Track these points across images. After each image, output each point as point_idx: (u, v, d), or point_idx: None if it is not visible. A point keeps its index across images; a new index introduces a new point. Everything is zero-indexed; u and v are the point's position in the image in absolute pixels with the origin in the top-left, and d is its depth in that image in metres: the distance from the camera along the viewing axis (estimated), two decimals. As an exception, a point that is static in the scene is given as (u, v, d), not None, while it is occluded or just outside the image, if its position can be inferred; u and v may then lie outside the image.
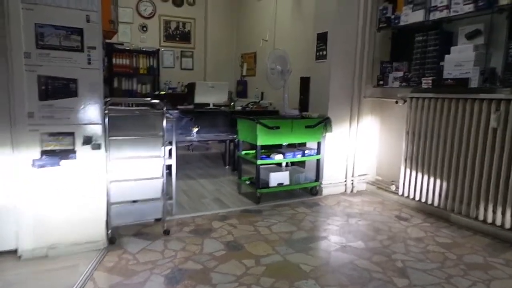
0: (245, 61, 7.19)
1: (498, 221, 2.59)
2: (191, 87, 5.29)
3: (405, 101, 3.32)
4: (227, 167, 4.99)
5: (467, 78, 2.69)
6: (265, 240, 2.60)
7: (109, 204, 2.46)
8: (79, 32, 2.23)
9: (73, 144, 2.27)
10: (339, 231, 2.80)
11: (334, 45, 3.59)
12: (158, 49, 6.94)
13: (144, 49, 6.76)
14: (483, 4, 2.58)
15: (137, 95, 6.74)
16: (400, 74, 3.37)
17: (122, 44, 6.66)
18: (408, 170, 3.29)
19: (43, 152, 2.20)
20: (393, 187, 3.54)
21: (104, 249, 2.37)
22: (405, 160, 3.31)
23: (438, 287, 2.01)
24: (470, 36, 2.79)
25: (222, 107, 5.27)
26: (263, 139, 3.32)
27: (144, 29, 7.01)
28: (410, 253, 2.43)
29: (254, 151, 3.68)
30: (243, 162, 3.83)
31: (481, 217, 2.70)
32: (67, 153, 2.26)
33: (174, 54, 7.34)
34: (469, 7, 2.68)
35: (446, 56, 2.86)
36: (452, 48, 2.84)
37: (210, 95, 5.10)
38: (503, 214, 2.57)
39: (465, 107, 2.77)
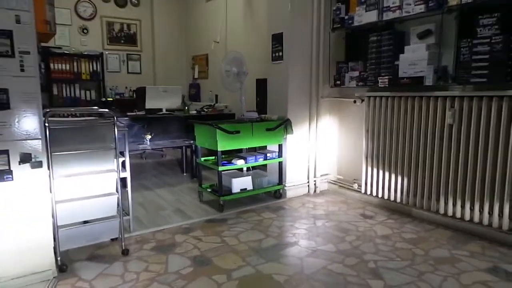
0: (196, 63, 6.97)
1: (458, 214, 2.69)
2: (140, 92, 4.97)
3: (362, 100, 3.37)
4: (184, 174, 4.76)
5: (422, 77, 2.77)
6: (233, 251, 2.46)
7: (56, 228, 2.17)
8: (8, 34, 1.92)
9: (8, 163, 1.96)
10: (308, 234, 2.74)
11: (290, 46, 3.54)
12: (102, 53, 6.48)
13: (86, 53, 6.28)
14: (433, 4, 2.67)
15: (81, 102, 6.24)
16: (356, 73, 3.41)
17: (60, 48, 6.13)
18: (369, 168, 3.33)
19: (-29, 175, 1.88)
20: (355, 186, 3.57)
21: (54, 279, 2.08)
22: (366, 158, 3.35)
23: (412, 286, 2.01)
24: (422, 36, 2.88)
25: (176, 111, 5.02)
26: (223, 145, 3.18)
27: (85, 31, 6.52)
28: (380, 252, 2.43)
29: (213, 157, 3.53)
30: (202, 169, 3.65)
31: (441, 211, 2.78)
32: (2, 174, 1.95)
33: (120, 58, 6.92)
34: (420, 8, 2.75)
35: (401, 56, 2.93)
36: (406, 48, 2.91)
37: (162, 100, 4.83)
38: (462, 207, 2.67)
39: (421, 104, 2.85)
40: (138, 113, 4.65)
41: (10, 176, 1.97)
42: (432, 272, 2.16)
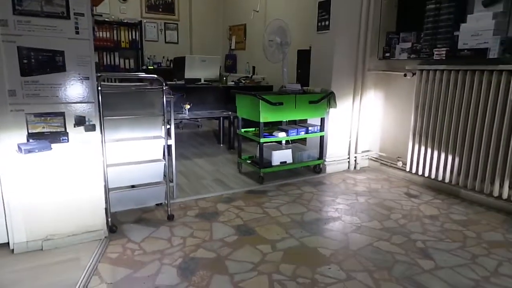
0: (233, 34, 6.85)
1: (515, 197, 2.54)
2: (179, 61, 4.97)
3: (414, 74, 3.18)
4: (221, 145, 4.79)
5: (485, 48, 2.55)
6: (276, 223, 2.46)
7: (107, 190, 2.24)
8: (64, -5, 1.92)
9: (64, 125, 2.01)
10: (351, 210, 2.69)
11: (337, 14, 3.36)
12: (140, 21, 6.49)
13: (125, 21, 6.31)
14: (506, -34, 2.41)
15: (121, 70, 6.34)
16: (408, 45, 3.20)
17: (100, 15, 6.18)
18: (416, 146, 3.18)
19: (30, 135, 1.94)
20: (399, 163, 3.45)
21: (105, 239, 2.17)
22: (414, 135, 3.20)
23: (465, 268, 1.93)
24: (488, 3, 2.62)
25: (214, 82, 5.00)
26: (266, 116, 3.12)
27: (124, -1, 6.52)
28: (428, 232, 2.35)
29: (254, 129, 3.50)
30: (248, 141, 3.63)
31: (495, 193, 2.63)
32: (58, 136, 2.01)
33: (158, 27, 6.91)
34: (490, -29, 2.50)
35: (462, 25, 2.70)
36: (469, 16, 2.68)
37: (201, 70, 4.82)
38: (521, 190, 2.51)
39: (482, 79, 2.65)
40: (178, 82, 4.67)
41: (66, 138, 2.02)
42: (487, 255, 2.06)
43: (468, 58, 2.68)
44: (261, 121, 3.11)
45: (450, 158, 2.92)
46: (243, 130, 3.52)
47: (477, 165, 2.75)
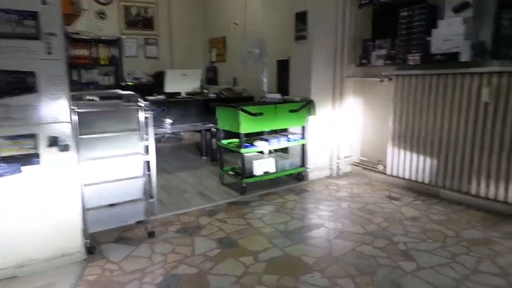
0: (214, 46, 6.89)
1: (491, 195, 2.59)
2: (159, 76, 4.97)
3: (390, 79, 3.24)
4: (204, 157, 4.76)
5: (457, 53, 2.63)
6: (259, 234, 2.45)
7: (85, 210, 2.19)
8: (34, 16, 1.90)
9: (36, 147, 1.97)
10: (334, 216, 2.70)
11: (314, 25, 3.42)
12: (119, 37, 6.46)
13: (103, 38, 6.27)
14: (470, -27, 2.50)
15: (100, 87, 6.27)
16: (384, 52, 3.27)
17: (78, 33, 6.13)
18: (395, 149, 3.23)
19: (1, 159, 1.89)
20: (380, 167, 3.49)
21: (83, 261, 2.12)
22: (393, 138, 3.25)
23: (446, 267, 1.95)
24: (458, 9, 2.71)
25: (195, 95, 4.99)
26: (246, 127, 3.13)
27: (102, 16, 6.50)
28: (410, 234, 2.37)
29: (235, 140, 3.50)
30: (222, 152, 3.63)
31: (473, 192, 2.69)
32: (30, 158, 1.96)
33: (138, 42, 6.89)
34: (455, -22, 2.59)
35: (434, 31, 2.78)
36: (440, 22, 2.76)
37: (181, 84, 4.81)
38: (497, 187, 2.56)
39: (455, 82, 2.72)
40: (158, 96, 4.65)
41: (38, 160, 1.98)
42: (466, 254, 2.09)
43: (441, 62, 2.76)
44: (241, 132, 3.11)
45: (428, 159, 2.98)
46: (224, 141, 3.51)
47: (454, 165, 2.81)
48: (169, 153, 5.19)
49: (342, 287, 1.82)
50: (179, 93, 4.81)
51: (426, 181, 3.01)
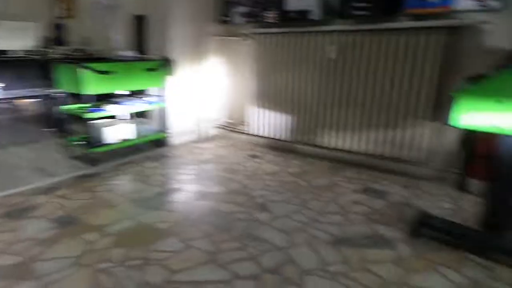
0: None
1: (338, 145, 2.84)
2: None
3: (251, 38, 3.19)
4: (51, 129, 4.02)
5: (309, 11, 2.69)
6: (108, 206, 2.14)
7: None
8: None
9: None
10: (196, 179, 2.57)
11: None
12: None
13: None
14: None
15: None
16: (245, 9, 3.17)
17: None
18: (256, 109, 3.26)
19: None
20: (245, 128, 3.49)
21: None
22: (253, 98, 3.25)
23: (298, 214, 2.04)
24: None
25: (35, 55, 4.11)
26: (91, 87, 2.68)
27: None
28: (268, 187, 2.42)
29: (80, 105, 2.99)
30: (75, 122, 3.09)
31: (324, 144, 2.90)
32: None
33: None
34: None
35: (287, -12, 2.79)
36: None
37: (12, 40, 3.88)
38: (343, 138, 2.81)
39: (309, 41, 2.80)
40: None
41: None
42: (316, 199, 2.23)
43: (296, 20, 2.80)
44: (83, 93, 2.65)
45: (285, 117, 3.09)
46: (66, 106, 2.97)
47: (307, 120, 2.97)
48: (3, 126, 4.23)
49: (199, 248, 1.71)
50: (12, 51, 3.88)
51: (284, 137, 3.14)
